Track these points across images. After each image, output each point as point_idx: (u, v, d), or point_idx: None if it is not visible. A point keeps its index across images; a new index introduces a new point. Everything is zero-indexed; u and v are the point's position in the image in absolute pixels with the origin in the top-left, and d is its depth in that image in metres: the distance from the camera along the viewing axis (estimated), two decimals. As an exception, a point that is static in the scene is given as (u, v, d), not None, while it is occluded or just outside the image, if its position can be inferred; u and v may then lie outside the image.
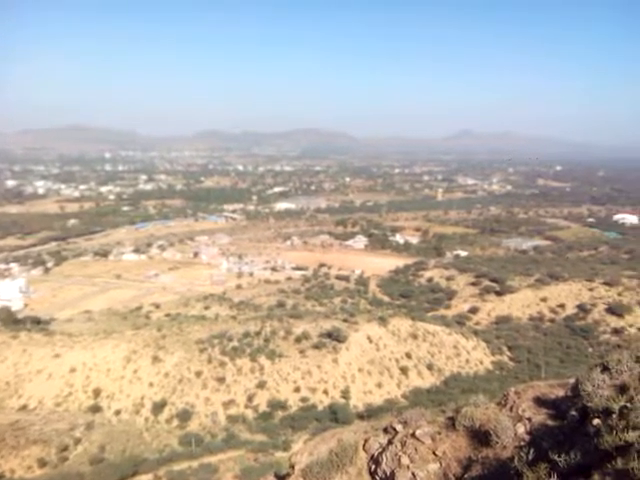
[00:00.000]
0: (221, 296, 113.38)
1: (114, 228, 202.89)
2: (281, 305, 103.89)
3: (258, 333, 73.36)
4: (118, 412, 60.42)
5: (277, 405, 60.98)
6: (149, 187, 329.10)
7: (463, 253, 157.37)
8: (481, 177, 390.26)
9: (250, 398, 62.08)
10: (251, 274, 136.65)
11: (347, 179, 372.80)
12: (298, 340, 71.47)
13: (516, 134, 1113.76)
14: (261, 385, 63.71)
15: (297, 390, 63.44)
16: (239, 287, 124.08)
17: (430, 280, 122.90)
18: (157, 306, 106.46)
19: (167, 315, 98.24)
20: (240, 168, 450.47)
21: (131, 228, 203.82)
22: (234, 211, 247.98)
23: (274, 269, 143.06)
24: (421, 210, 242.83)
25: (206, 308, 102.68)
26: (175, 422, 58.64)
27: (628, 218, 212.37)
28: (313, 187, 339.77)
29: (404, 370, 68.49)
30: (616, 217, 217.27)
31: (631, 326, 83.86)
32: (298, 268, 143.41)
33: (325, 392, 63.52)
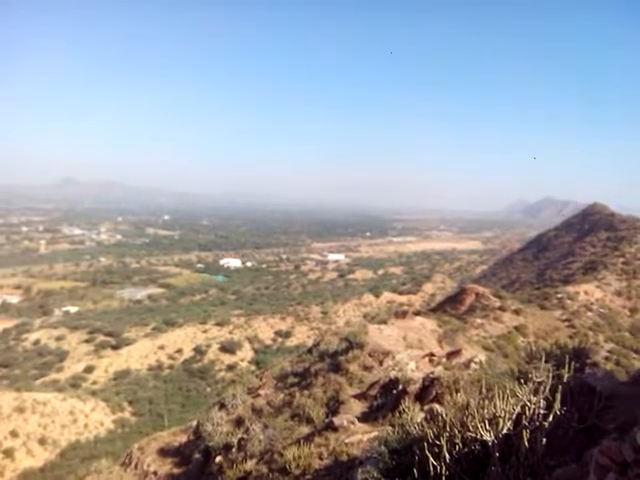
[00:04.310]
0: None
1: None
2: None
3: None
4: None
5: None
6: None
7: (73, 309, 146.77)
8: (88, 227, 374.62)
9: None
10: None
11: None
12: None
13: (122, 183, 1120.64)
14: None
15: None
16: None
17: (37, 343, 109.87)
18: None
19: None
20: None
21: None
22: None
23: None
24: (21, 265, 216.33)
25: None
26: None
27: (232, 262, 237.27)
28: None
29: (9, 452, 58.39)
30: (222, 261, 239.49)
31: (242, 360, 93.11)
32: None
33: None
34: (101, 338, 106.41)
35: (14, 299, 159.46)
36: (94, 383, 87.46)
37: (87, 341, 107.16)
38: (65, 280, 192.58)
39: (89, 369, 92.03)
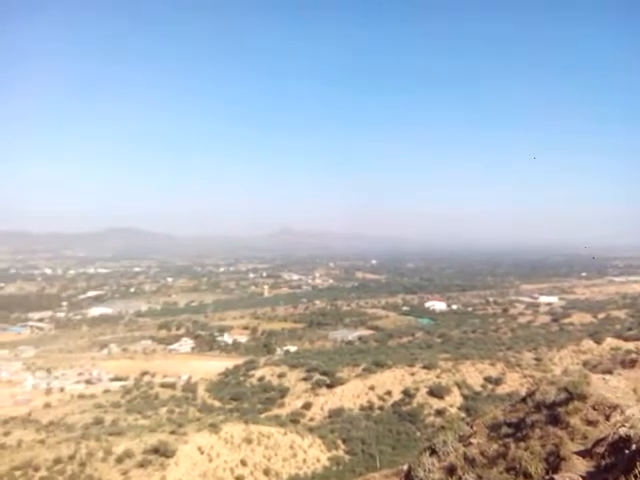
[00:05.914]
0: (25, 418, 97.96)
1: None
2: (98, 422, 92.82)
3: (72, 457, 63.98)
4: None
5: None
6: None
7: (293, 348, 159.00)
8: (304, 272, 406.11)
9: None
10: (62, 389, 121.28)
11: (169, 279, 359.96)
12: (120, 460, 63.74)
13: (331, 232, 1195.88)
14: (76, 520, 54.85)
15: (120, 520, 55.75)
16: (48, 405, 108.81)
17: (262, 379, 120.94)
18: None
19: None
20: (48, 272, 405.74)
21: None
22: (41, 319, 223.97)
23: (89, 382, 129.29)
24: (249, 308, 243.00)
25: (6, 434, 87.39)
26: None
27: (437, 305, 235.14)
28: (132, 289, 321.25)
29: (240, 479, 64.60)
30: (427, 304, 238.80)
31: (451, 406, 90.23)
32: (117, 379, 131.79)
33: (153, 517, 56.80)
34: (317, 377, 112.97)
35: (243, 338, 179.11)
36: (311, 420, 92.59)
37: (304, 379, 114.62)
38: (285, 321, 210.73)
39: (307, 406, 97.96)
